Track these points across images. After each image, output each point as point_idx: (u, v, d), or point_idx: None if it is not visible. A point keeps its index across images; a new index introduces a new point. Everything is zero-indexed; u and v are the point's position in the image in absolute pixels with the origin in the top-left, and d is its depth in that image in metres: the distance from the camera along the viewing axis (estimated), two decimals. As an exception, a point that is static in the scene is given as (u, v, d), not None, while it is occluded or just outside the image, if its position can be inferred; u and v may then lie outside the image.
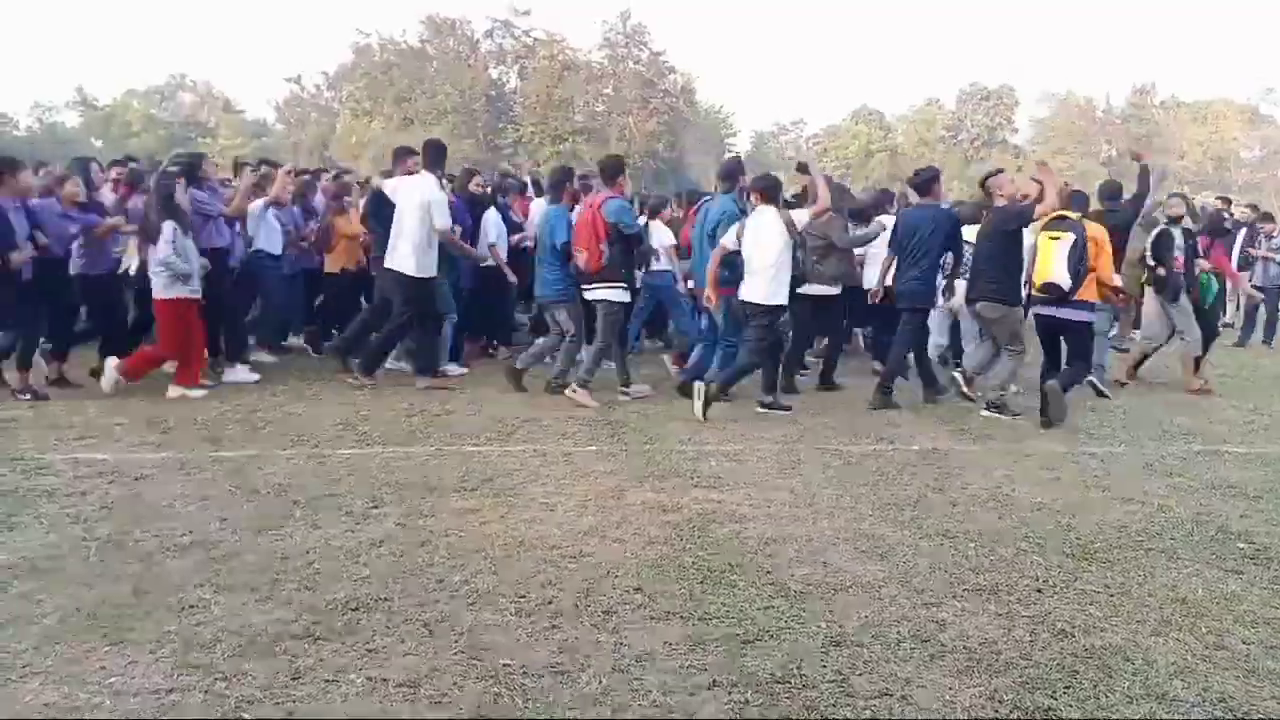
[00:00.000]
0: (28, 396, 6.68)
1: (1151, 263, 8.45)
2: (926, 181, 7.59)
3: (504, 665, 3.07)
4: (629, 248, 7.28)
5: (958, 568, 4.03)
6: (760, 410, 7.01)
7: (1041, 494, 5.15)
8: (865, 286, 8.20)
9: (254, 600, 3.51)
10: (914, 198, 7.87)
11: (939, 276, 7.60)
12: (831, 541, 4.30)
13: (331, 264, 9.00)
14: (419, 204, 7.34)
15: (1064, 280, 6.68)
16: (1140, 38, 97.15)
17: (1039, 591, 3.80)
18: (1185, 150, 59.87)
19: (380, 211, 7.77)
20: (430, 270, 7.51)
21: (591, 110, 51.24)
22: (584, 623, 3.39)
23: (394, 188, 7.63)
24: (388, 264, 7.48)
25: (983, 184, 7.79)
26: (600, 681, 2.98)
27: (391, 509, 4.59)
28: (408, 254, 7.37)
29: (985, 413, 7.06)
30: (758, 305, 6.79)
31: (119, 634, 3.21)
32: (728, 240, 6.86)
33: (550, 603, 3.55)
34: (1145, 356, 8.86)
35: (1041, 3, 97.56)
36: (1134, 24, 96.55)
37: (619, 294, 7.26)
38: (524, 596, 3.60)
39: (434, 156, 7.71)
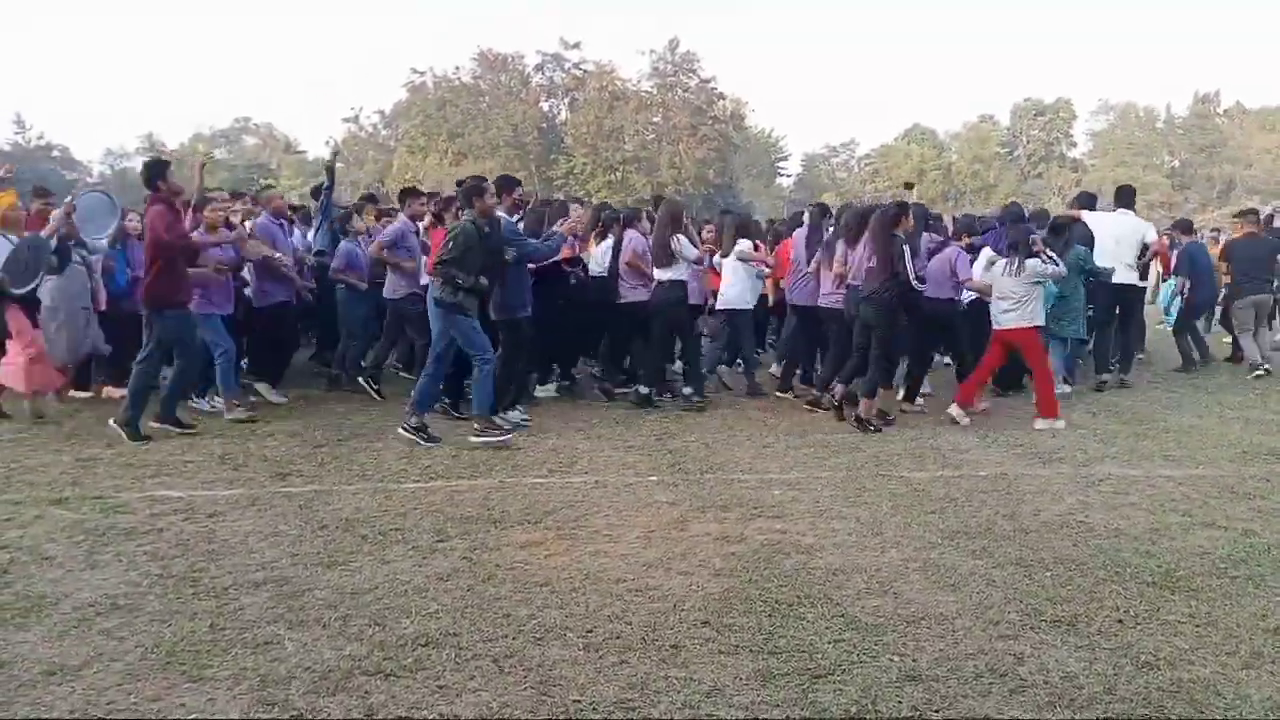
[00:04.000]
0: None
1: None
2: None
3: (574, 701, 3.06)
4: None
5: (1034, 598, 3.92)
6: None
7: (1118, 520, 5.00)
8: None
9: (326, 636, 3.55)
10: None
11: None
12: (901, 572, 4.22)
13: None
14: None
15: None
16: (1202, 45, 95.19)
17: (1120, 622, 3.68)
18: (1253, 159, 58.22)
19: None
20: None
21: (642, 139, 51.71)
22: (652, 657, 3.37)
23: (1097, 221, 9.04)
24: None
25: None
26: (671, 718, 2.96)
27: (457, 543, 4.62)
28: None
29: None
30: None
31: (198, 671, 3.27)
32: None
33: (618, 637, 3.54)
34: None
35: (1096, 13, 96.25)
36: (1194, 31, 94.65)
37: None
38: (591, 631, 3.59)
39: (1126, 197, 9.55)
